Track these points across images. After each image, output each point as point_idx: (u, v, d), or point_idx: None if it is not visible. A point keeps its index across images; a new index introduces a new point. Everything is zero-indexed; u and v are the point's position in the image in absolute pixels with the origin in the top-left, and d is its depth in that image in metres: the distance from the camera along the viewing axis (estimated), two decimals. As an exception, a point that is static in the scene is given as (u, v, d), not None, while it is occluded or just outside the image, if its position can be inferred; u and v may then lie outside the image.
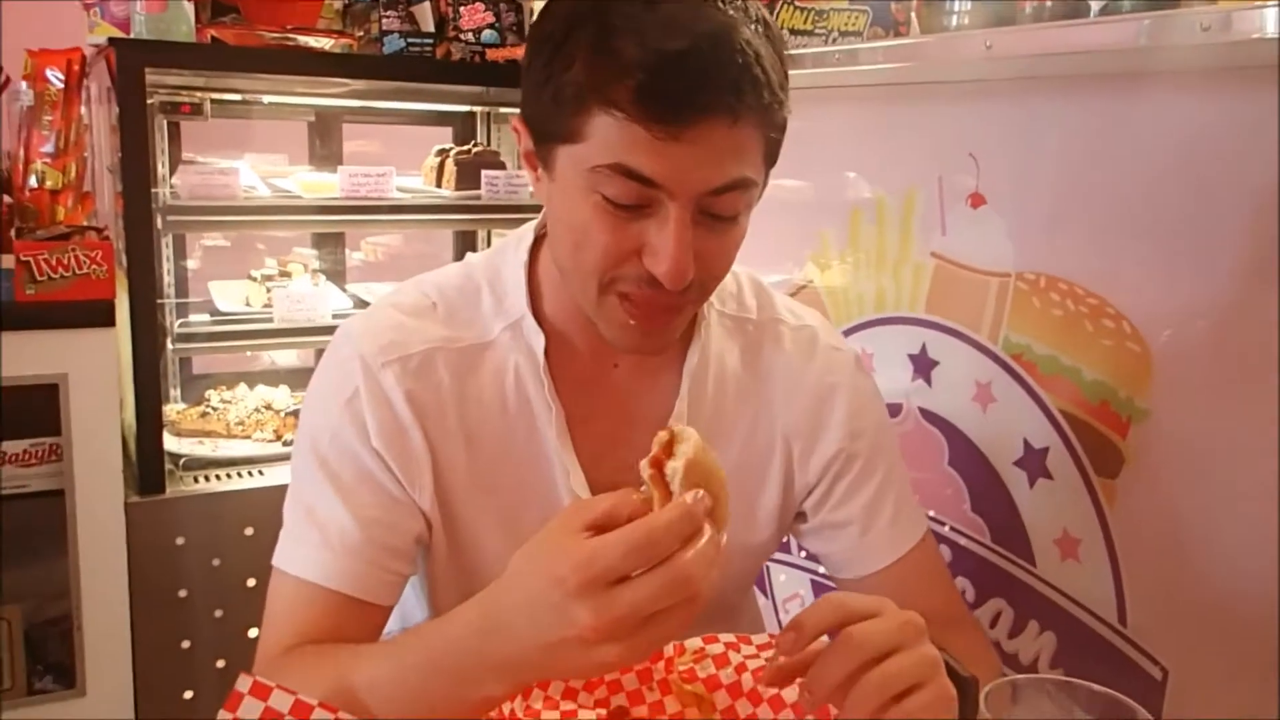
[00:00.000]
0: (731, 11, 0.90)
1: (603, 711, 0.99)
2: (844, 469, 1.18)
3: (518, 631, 0.78)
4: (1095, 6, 1.11)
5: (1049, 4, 1.16)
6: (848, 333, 1.64)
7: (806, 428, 1.17)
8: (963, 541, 1.48)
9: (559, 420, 1.07)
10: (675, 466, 0.78)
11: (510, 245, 1.14)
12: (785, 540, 1.37)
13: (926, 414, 1.53)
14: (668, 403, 1.12)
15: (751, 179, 0.94)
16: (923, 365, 1.54)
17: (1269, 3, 0.93)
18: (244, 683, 0.79)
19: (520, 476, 1.09)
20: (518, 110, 1.01)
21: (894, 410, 1.55)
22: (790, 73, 0.96)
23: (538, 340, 1.08)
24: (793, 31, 1.56)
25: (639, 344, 1.03)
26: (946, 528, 1.50)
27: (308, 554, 1.01)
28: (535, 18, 0.97)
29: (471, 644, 0.83)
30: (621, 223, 0.93)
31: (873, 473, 1.18)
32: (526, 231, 1.13)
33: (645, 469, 0.79)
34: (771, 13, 1.59)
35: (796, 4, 1.55)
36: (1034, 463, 1.36)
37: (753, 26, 0.91)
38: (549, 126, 0.95)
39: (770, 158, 0.98)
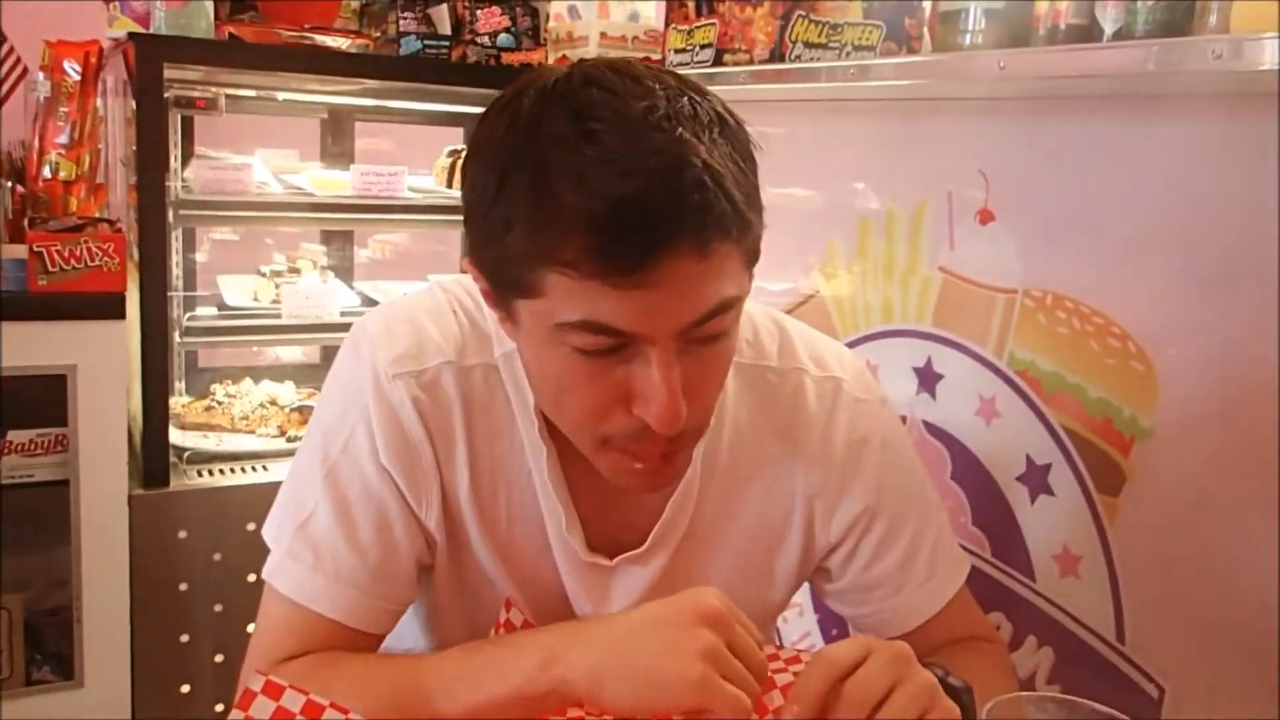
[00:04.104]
0: (680, 130, 0.80)
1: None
2: (870, 527, 1.10)
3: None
4: (1109, 30, 1.11)
5: (1062, 26, 1.17)
6: (853, 344, 1.65)
7: (830, 487, 1.10)
8: (963, 555, 1.48)
9: (552, 462, 1.02)
10: None
11: None
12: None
13: (930, 427, 1.54)
14: None
15: (734, 297, 0.86)
16: (928, 378, 1.54)
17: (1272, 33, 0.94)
18: (256, 681, 0.80)
19: (514, 512, 1.04)
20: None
21: (898, 423, 1.55)
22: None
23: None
24: (807, 45, 1.57)
25: (648, 485, 0.98)
26: (947, 541, 1.50)
27: (301, 575, 0.99)
28: (466, 153, 0.85)
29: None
30: (600, 370, 0.86)
31: (902, 527, 1.11)
32: None
33: None
34: (786, 26, 1.61)
35: (811, 17, 1.56)
36: (1036, 478, 1.37)
37: (707, 137, 0.81)
38: (502, 281, 0.88)
39: (750, 263, 0.90)
